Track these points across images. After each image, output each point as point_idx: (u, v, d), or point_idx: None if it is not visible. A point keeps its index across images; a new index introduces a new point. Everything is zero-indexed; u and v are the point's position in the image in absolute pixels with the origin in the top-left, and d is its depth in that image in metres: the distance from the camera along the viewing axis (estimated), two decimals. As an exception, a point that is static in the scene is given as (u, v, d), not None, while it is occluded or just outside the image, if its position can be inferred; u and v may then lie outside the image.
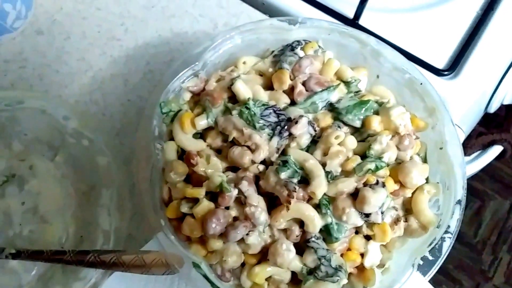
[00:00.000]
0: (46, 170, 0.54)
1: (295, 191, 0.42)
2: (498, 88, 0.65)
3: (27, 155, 0.54)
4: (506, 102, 0.69)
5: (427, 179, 0.47)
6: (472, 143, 0.76)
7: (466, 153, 0.77)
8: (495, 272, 1.35)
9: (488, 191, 1.43)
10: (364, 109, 0.47)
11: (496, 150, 0.77)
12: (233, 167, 0.46)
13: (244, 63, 0.51)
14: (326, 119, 0.47)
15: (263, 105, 0.46)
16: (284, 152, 0.46)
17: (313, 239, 0.44)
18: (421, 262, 0.45)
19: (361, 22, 0.62)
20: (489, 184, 1.44)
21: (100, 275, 0.49)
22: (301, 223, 0.44)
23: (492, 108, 0.69)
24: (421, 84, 0.49)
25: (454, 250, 1.36)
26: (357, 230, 0.45)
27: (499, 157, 0.78)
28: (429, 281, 0.44)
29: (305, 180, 0.44)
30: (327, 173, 0.44)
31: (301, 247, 0.44)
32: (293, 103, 0.48)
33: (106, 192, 0.51)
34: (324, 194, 0.44)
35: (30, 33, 0.62)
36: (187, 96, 0.50)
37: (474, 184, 1.43)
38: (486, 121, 0.75)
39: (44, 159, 0.54)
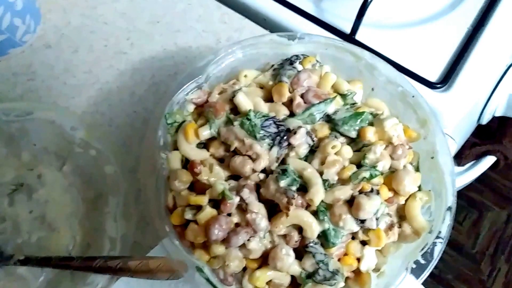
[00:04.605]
0: (54, 179, 0.54)
1: (294, 199, 0.43)
2: (490, 101, 0.66)
3: (35, 165, 0.54)
4: (497, 114, 0.70)
5: (419, 187, 0.48)
6: (466, 153, 0.77)
7: (460, 163, 0.78)
8: (494, 282, 1.34)
9: (485, 202, 1.43)
10: (359, 120, 0.48)
11: (489, 160, 0.78)
12: (235, 176, 0.47)
13: (245, 76, 0.52)
14: (323, 130, 0.48)
15: (263, 116, 0.47)
16: (283, 161, 0.46)
17: (311, 244, 0.44)
18: (414, 266, 0.45)
19: (358, 37, 0.63)
20: (487, 195, 1.43)
21: (106, 281, 0.49)
22: (300, 229, 0.44)
23: (484, 120, 0.70)
24: (413, 96, 0.50)
25: (454, 261, 1.35)
26: (353, 236, 0.46)
27: (492, 167, 0.80)
28: (422, 284, 0.45)
29: (304, 188, 0.45)
30: (325, 181, 0.45)
31: (300, 252, 0.45)
32: (292, 114, 0.48)
33: (113, 200, 0.52)
34: (322, 201, 0.44)
35: (38, 46, 0.63)
36: (191, 107, 0.51)
37: (472, 195, 1.42)
38: (479, 132, 0.76)
39: (52, 169, 0.54)
